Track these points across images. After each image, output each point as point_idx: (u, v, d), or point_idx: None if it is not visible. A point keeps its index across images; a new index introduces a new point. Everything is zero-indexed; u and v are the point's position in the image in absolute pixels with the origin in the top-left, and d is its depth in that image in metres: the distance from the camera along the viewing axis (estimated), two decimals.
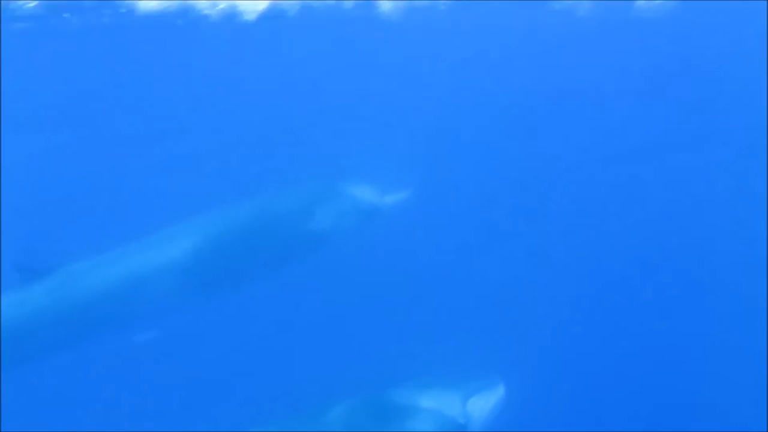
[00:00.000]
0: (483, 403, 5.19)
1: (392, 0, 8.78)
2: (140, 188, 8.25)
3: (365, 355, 6.60)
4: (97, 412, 6.34)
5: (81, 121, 8.31)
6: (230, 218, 7.22)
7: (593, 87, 8.12)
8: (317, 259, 7.30)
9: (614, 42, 8.57)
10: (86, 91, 8.53)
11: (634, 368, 5.74)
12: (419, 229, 7.84)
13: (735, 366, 5.90)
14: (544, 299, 6.95)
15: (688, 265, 6.32)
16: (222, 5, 8.14)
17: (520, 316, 6.78)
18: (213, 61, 8.76)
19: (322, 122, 8.41)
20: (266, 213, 7.33)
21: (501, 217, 7.89)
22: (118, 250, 6.87)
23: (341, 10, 8.65)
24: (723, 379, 5.78)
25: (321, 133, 8.23)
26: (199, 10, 8.27)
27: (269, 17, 8.52)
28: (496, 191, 8.05)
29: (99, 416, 6.31)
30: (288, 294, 7.13)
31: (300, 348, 6.69)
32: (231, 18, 8.49)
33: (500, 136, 8.63)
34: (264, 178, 7.79)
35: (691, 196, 7.19)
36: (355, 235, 7.49)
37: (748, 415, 5.54)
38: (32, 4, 7.89)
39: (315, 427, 4.72)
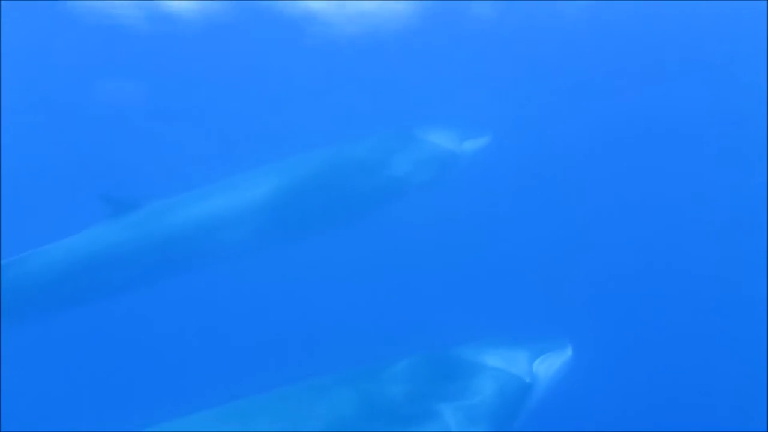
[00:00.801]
0: (549, 364, 5.25)
1: None
2: (223, 132, 8.52)
3: (433, 311, 6.71)
4: (170, 351, 6.68)
5: (165, 62, 8.75)
6: (308, 165, 7.41)
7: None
8: (394, 208, 7.42)
9: (613, 42, 8.63)
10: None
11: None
12: (498, 178, 7.85)
13: (735, 366, 5.91)
14: (623, 261, 7.06)
15: (688, 265, 6.29)
16: None
17: (596, 277, 6.87)
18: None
19: (399, 69, 8.46)
20: (343, 161, 7.51)
21: (584, 170, 7.84)
22: (200, 189, 7.16)
23: None
24: (723, 379, 5.84)
25: (398, 80, 8.28)
26: None
27: None
28: (580, 141, 8.03)
29: (172, 355, 6.65)
30: (361, 244, 7.25)
31: (368, 299, 6.85)
32: None
33: (586, 81, 8.56)
34: (342, 126, 7.89)
35: (690, 196, 7.19)
36: (433, 184, 7.58)
37: (748, 415, 5.56)
38: None
39: (377, 383, 4.80)
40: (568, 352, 5.36)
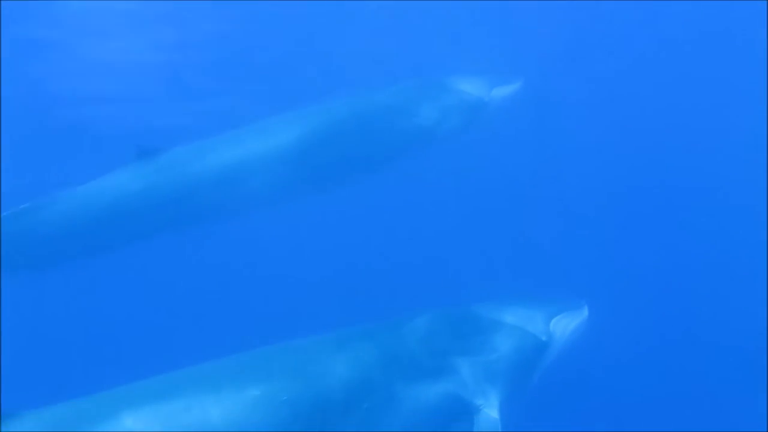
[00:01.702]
0: (566, 324, 5.37)
1: None
2: (249, 77, 8.62)
3: (453, 265, 6.88)
4: (190, 300, 6.97)
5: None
6: (334, 111, 7.47)
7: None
8: (421, 157, 7.49)
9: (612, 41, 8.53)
10: None
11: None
12: (527, 128, 7.88)
13: (735, 366, 6.04)
14: (649, 221, 7.16)
15: (688, 264, 6.36)
16: None
17: (620, 236, 7.02)
18: None
19: (426, 16, 8.47)
20: (370, 108, 7.56)
21: (613, 119, 7.90)
22: (224, 135, 7.25)
23: None
24: (723, 379, 5.98)
25: (425, 28, 8.36)
26: None
27: None
28: (612, 88, 8.09)
29: (193, 304, 6.94)
30: (386, 193, 7.37)
31: (390, 250, 7.04)
32: None
33: (618, 25, 8.54)
34: (368, 75, 7.96)
35: (690, 196, 7.22)
36: (461, 132, 7.64)
37: (748, 415, 5.66)
38: None
39: (397, 336, 4.94)
40: (585, 313, 5.49)
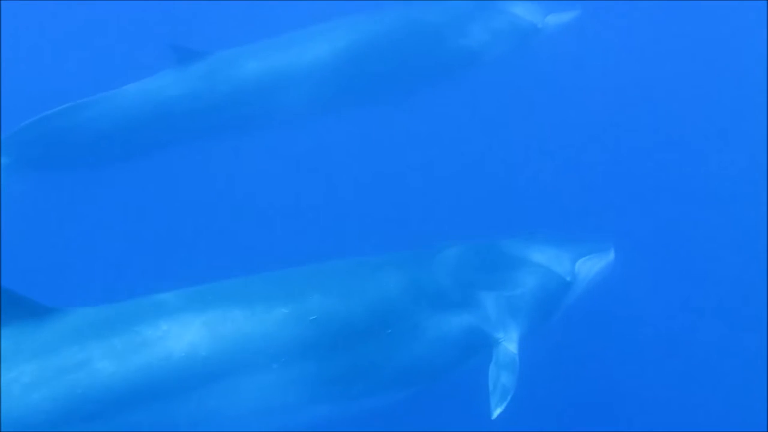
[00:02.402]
0: (591, 265, 5.53)
1: None
2: None
3: (485, 198, 6.96)
4: (221, 209, 7.13)
5: None
6: (377, 24, 7.47)
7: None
8: (463, 79, 7.53)
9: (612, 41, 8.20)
10: None
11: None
12: (578, 59, 7.84)
13: (735, 366, 6.10)
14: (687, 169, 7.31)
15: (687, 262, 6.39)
16: None
17: (657, 182, 7.11)
18: None
19: None
20: (415, 24, 7.51)
21: (671, 61, 7.92)
22: (267, 41, 7.36)
23: None
24: (723, 379, 6.01)
25: None
26: None
27: None
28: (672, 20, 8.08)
29: (223, 214, 7.10)
30: (425, 115, 7.39)
31: (423, 177, 7.11)
32: None
33: None
34: None
35: (690, 196, 7.29)
36: (509, 58, 7.62)
37: (748, 415, 5.78)
38: None
39: (424, 266, 5.15)
40: (611, 256, 5.63)
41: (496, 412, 4.87)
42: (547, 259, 5.44)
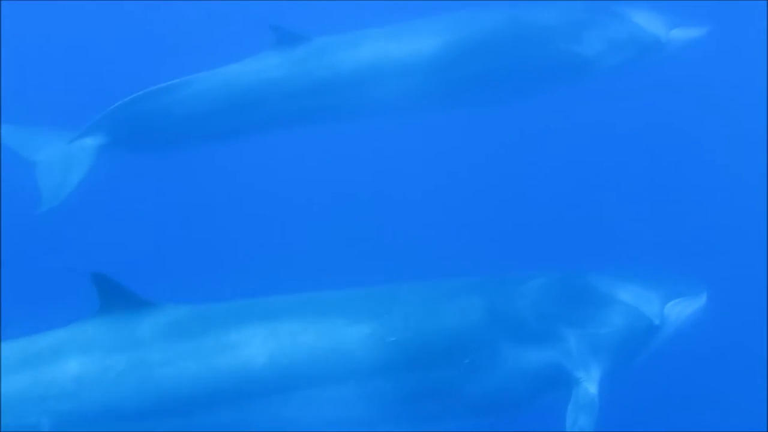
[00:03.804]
0: (681, 309, 5.58)
1: None
2: None
3: (578, 224, 7.06)
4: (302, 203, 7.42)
5: None
6: (484, 23, 7.57)
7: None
8: (572, 91, 7.58)
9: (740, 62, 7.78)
10: None
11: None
12: (702, 77, 7.74)
13: (735, 366, 6.12)
14: None
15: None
16: None
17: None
18: None
19: None
20: (526, 25, 7.56)
21: None
22: (370, 30, 7.58)
23: None
24: (723, 379, 5.98)
25: None
26: None
27: None
28: None
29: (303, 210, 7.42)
30: (526, 124, 7.52)
31: (513, 194, 7.28)
32: None
33: None
34: None
35: (689, 196, 7.13)
36: (625, 70, 7.59)
37: (748, 415, 5.83)
38: None
39: (507, 294, 5.38)
40: (703, 300, 5.66)
41: None
42: (635, 298, 5.50)
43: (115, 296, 4.93)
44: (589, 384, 5.29)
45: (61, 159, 7.26)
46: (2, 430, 4.66)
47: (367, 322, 5.04)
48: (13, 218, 7.11)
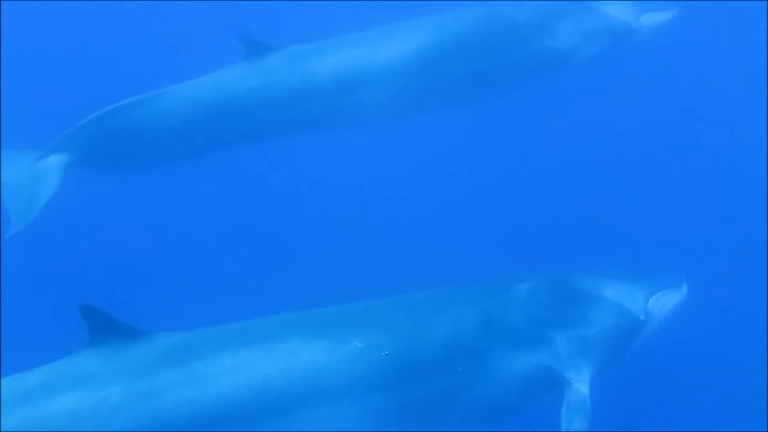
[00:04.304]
0: (664, 302, 5.84)
1: None
2: None
3: (560, 225, 7.23)
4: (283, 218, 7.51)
5: None
6: (459, 23, 7.64)
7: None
8: (550, 84, 7.70)
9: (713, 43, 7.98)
10: None
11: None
12: (676, 62, 7.90)
13: (735, 366, 6.31)
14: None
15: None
16: None
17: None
18: None
19: None
20: (501, 23, 7.66)
21: None
22: (342, 37, 7.58)
23: None
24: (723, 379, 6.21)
25: None
26: None
27: None
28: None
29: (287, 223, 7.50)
30: (508, 120, 7.60)
31: (497, 196, 7.38)
32: None
33: None
34: None
35: (689, 196, 7.33)
36: (600, 60, 7.74)
37: (748, 415, 6.03)
38: None
39: (497, 301, 5.57)
40: (684, 291, 5.91)
41: None
42: (620, 295, 5.73)
43: (104, 327, 5.01)
44: (581, 385, 5.46)
45: (28, 179, 7.15)
46: None
47: (360, 338, 5.18)
48: None
